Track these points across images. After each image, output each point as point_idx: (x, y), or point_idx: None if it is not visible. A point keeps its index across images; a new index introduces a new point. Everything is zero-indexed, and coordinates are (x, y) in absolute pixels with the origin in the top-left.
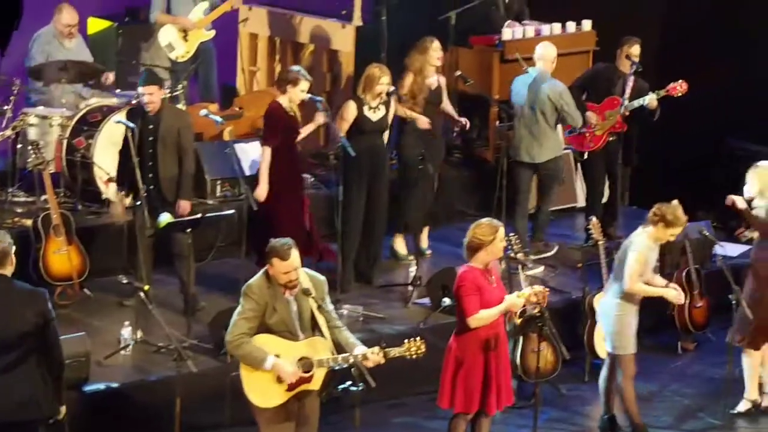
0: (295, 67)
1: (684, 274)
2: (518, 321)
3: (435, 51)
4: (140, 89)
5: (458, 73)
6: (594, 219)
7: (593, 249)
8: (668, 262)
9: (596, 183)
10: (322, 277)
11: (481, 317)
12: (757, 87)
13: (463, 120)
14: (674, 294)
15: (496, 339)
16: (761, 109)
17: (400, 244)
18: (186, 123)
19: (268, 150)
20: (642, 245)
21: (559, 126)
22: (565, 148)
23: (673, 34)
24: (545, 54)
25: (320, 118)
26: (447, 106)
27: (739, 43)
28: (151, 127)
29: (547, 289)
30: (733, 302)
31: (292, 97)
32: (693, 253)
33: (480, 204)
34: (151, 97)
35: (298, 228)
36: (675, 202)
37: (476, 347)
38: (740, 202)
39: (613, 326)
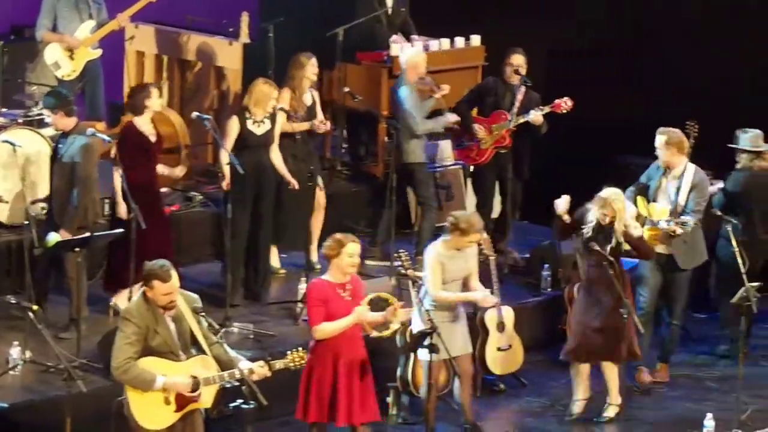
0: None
1: (575, 288)
2: (408, 337)
3: (312, 66)
4: None
5: (346, 89)
6: (485, 234)
7: (484, 264)
8: (560, 276)
9: (486, 197)
10: (195, 295)
11: (323, 329)
12: (646, 103)
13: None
14: (481, 296)
15: (349, 353)
16: (651, 126)
17: (274, 258)
18: (84, 153)
19: (119, 171)
20: (434, 253)
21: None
22: (456, 163)
23: (562, 51)
24: (403, 60)
25: (177, 171)
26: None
27: (628, 60)
28: (59, 146)
29: (397, 305)
30: (624, 315)
31: (154, 110)
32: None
33: (370, 220)
34: (49, 119)
35: (162, 249)
36: (473, 211)
37: (326, 358)
38: (566, 215)
39: None
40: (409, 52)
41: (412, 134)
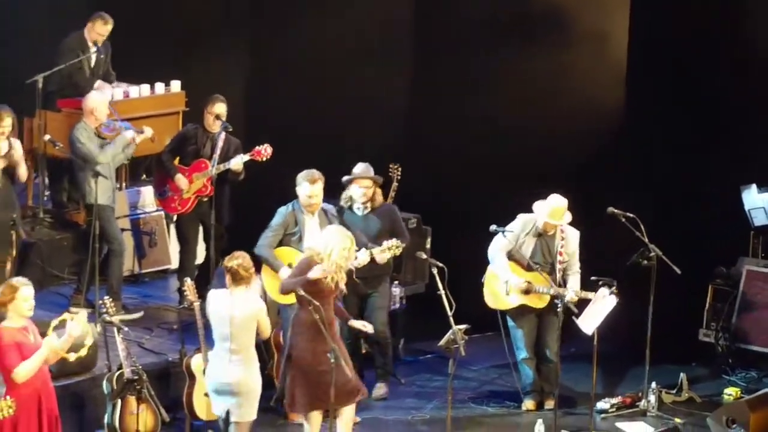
0: None
1: (281, 333)
2: (115, 384)
3: None
4: None
5: (47, 137)
6: (188, 281)
7: (188, 310)
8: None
9: (189, 245)
10: None
11: (25, 368)
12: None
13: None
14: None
15: (43, 392)
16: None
17: None
18: None
19: None
20: None
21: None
22: (157, 210)
23: (258, 95)
24: (84, 105)
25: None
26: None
27: (324, 104)
28: None
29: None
30: (332, 361)
31: None
32: None
33: (74, 268)
34: None
35: None
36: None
37: (28, 404)
38: None
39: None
40: (89, 96)
41: (95, 173)
